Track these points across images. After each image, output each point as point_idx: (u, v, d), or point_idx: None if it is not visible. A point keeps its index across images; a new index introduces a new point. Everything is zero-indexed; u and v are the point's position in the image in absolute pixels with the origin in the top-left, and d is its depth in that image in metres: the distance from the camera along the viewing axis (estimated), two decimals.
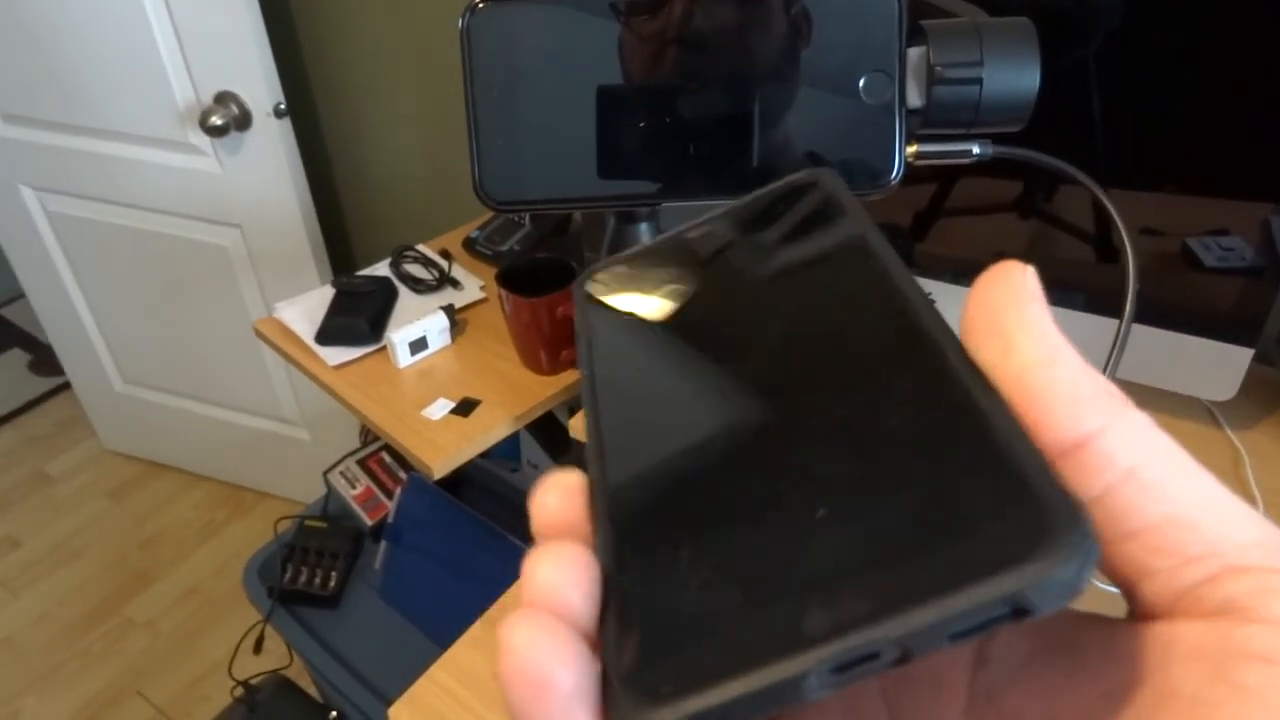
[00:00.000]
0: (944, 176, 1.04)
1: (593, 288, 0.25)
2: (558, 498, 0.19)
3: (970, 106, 0.31)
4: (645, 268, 0.24)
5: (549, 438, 1.47)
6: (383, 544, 1.46)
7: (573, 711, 0.15)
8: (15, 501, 2.42)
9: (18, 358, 2.89)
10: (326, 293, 1.31)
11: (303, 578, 1.44)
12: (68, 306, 2.14)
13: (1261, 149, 0.87)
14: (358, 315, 1.25)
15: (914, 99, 0.31)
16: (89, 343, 2.21)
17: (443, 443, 1.11)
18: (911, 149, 0.32)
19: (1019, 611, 0.13)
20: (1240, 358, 0.92)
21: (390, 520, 1.47)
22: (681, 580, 0.16)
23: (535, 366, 1.20)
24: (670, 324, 0.22)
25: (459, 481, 1.56)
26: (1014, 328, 0.17)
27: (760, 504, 0.16)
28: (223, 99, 1.62)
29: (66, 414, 2.67)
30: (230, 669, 1.49)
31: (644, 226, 0.45)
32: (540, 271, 1.16)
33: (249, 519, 2.33)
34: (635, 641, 0.15)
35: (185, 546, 2.28)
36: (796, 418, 0.18)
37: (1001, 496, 0.14)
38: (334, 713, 1.39)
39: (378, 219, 2.03)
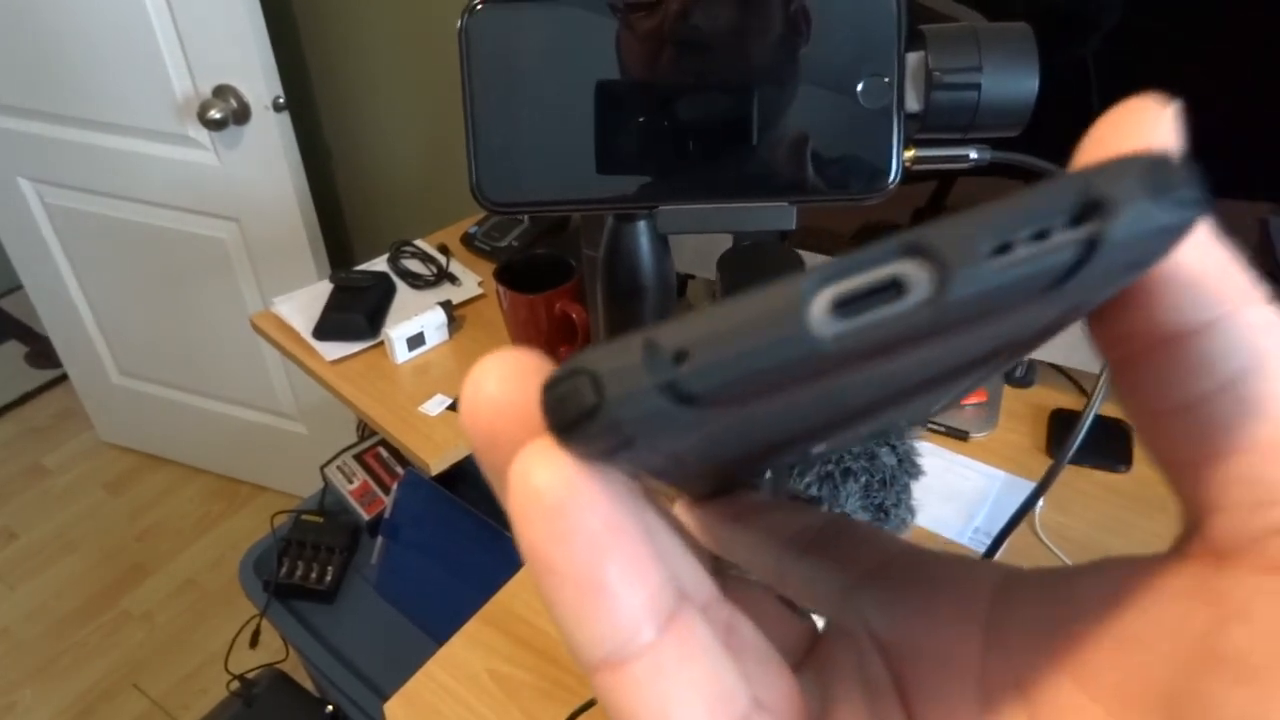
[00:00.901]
0: (944, 175, 1.04)
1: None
2: (497, 383, 0.15)
3: (968, 111, 0.31)
4: None
5: None
6: (379, 539, 1.46)
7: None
8: (12, 494, 2.42)
9: (15, 350, 2.89)
10: (324, 287, 1.31)
11: (299, 572, 1.44)
12: (65, 299, 2.14)
13: (1260, 149, 0.87)
14: (355, 310, 1.25)
15: (912, 104, 0.31)
16: (86, 335, 2.21)
17: (440, 439, 1.11)
18: (909, 153, 0.32)
19: (1088, 237, 0.10)
20: None
21: (387, 515, 1.47)
22: None
23: None
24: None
25: (456, 477, 1.55)
26: None
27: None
28: (221, 92, 1.62)
29: (63, 406, 2.67)
30: (226, 662, 1.49)
31: (642, 225, 0.45)
32: (538, 268, 1.16)
33: (246, 512, 2.33)
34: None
35: (182, 539, 2.28)
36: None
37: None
38: (330, 707, 1.39)
39: (376, 214, 2.03)
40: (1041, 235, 0.10)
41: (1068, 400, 1.07)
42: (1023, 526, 0.95)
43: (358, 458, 1.63)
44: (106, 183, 1.85)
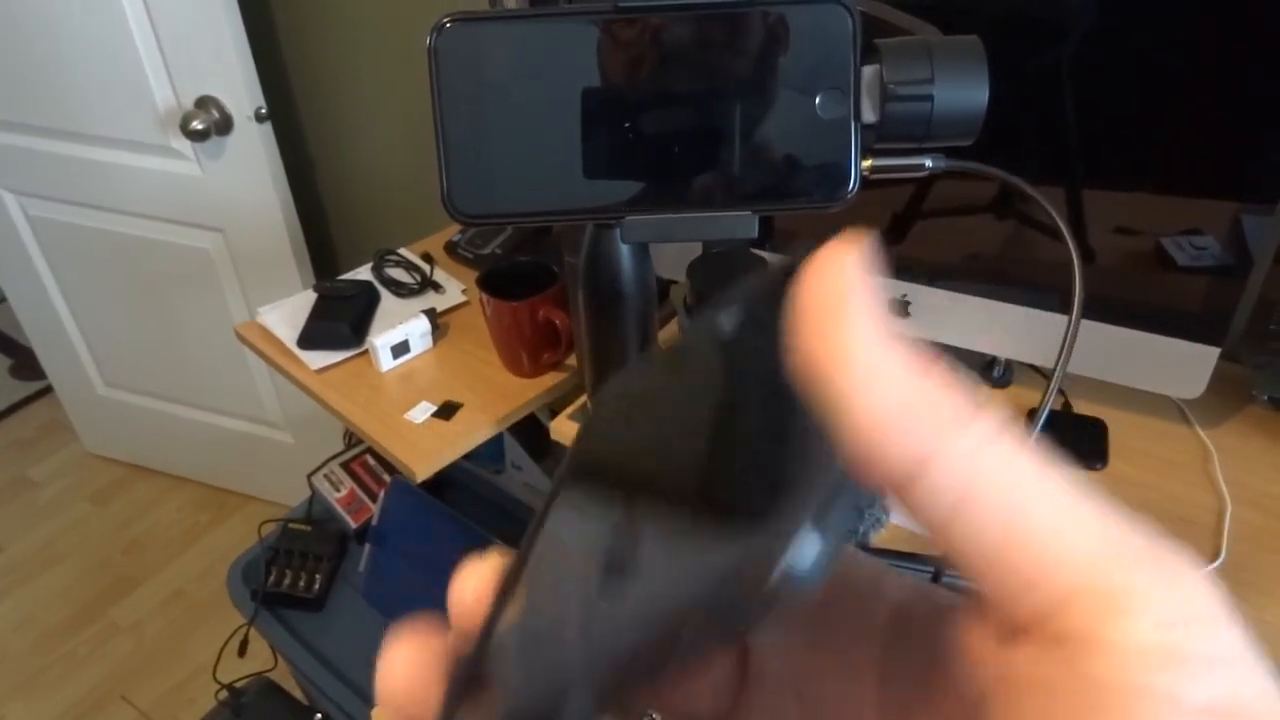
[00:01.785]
0: (921, 180, 1.05)
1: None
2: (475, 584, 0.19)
3: (923, 122, 0.32)
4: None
5: (531, 440, 1.48)
6: (366, 547, 1.46)
7: None
8: None
9: None
10: (308, 297, 1.31)
11: (287, 580, 1.44)
12: (49, 310, 2.13)
13: (1232, 149, 0.89)
14: (340, 319, 1.26)
15: (869, 115, 0.32)
16: (71, 346, 2.20)
17: (425, 446, 1.12)
18: (867, 163, 0.33)
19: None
20: (1208, 356, 0.93)
21: (374, 523, 1.47)
22: None
23: (517, 369, 1.21)
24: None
25: (442, 484, 1.56)
26: (835, 342, 0.15)
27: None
28: (203, 103, 1.62)
29: (48, 418, 2.66)
30: (215, 672, 1.49)
31: (619, 231, 0.46)
32: (521, 275, 1.17)
33: (233, 522, 2.32)
34: None
35: (169, 550, 2.27)
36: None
37: None
38: (318, 715, 1.40)
39: (360, 223, 2.04)
40: None
41: None
42: None
43: (345, 466, 1.63)
44: (89, 194, 1.85)
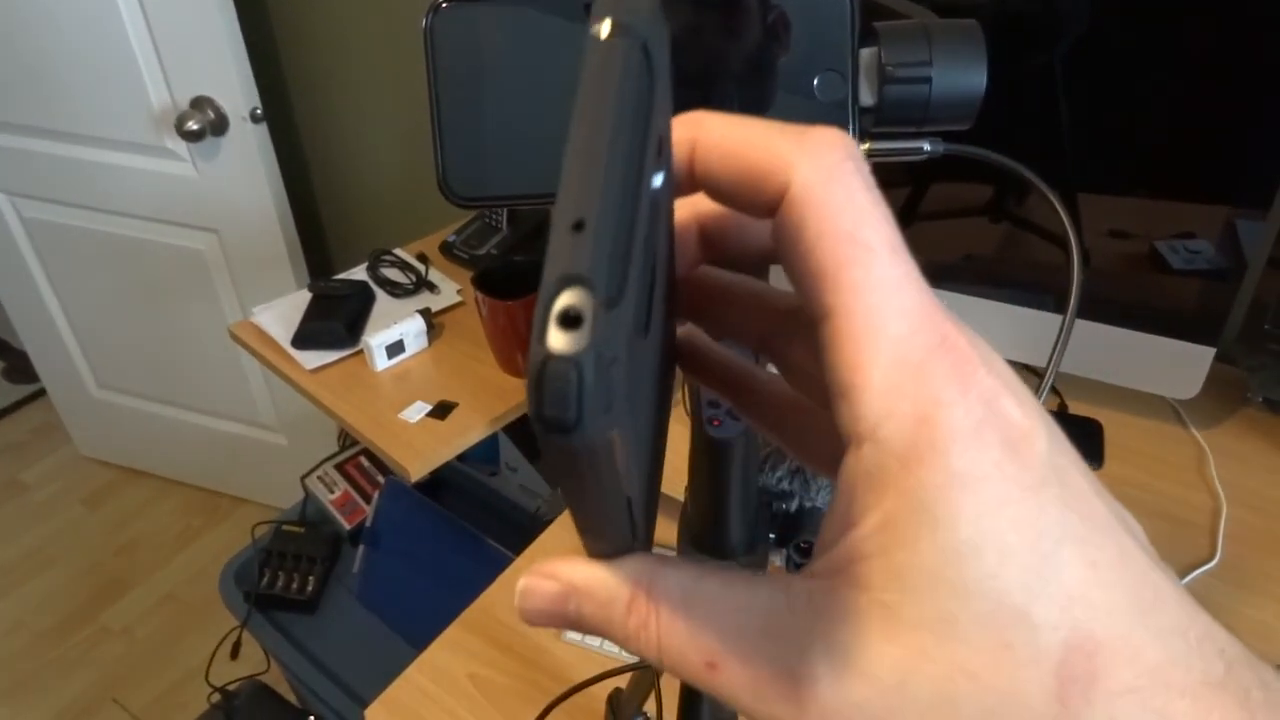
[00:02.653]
0: (917, 181, 1.06)
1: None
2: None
3: (920, 105, 0.32)
4: None
5: (527, 440, 1.47)
6: (360, 548, 1.46)
7: None
8: None
9: None
10: (303, 296, 1.31)
11: (280, 583, 1.43)
12: (43, 312, 2.12)
13: (1226, 154, 0.89)
14: (334, 319, 1.26)
15: (866, 98, 0.32)
16: (64, 348, 2.19)
17: (420, 445, 1.11)
18: (864, 145, 0.33)
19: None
20: (1203, 357, 0.93)
21: (368, 524, 1.47)
22: None
23: (512, 369, 1.21)
24: None
25: (437, 485, 1.56)
26: None
27: None
28: (199, 104, 1.62)
29: (42, 420, 2.65)
30: (207, 675, 1.48)
31: None
32: (516, 275, 1.17)
33: (226, 524, 2.32)
34: None
35: (162, 553, 2.26)
36: None
37: None
38: (311, 717, 1.39)
39: (355, 223, 2.03)
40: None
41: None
42: None
43: (339, 468, 1.63)
44: (83, 195, 1.84)
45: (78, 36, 1.61)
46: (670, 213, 0.19)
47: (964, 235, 1.06)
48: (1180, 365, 0.95)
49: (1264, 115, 0.84)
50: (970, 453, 0.16)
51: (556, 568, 0.19)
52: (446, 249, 1.46)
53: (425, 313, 1.25)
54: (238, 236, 1.79)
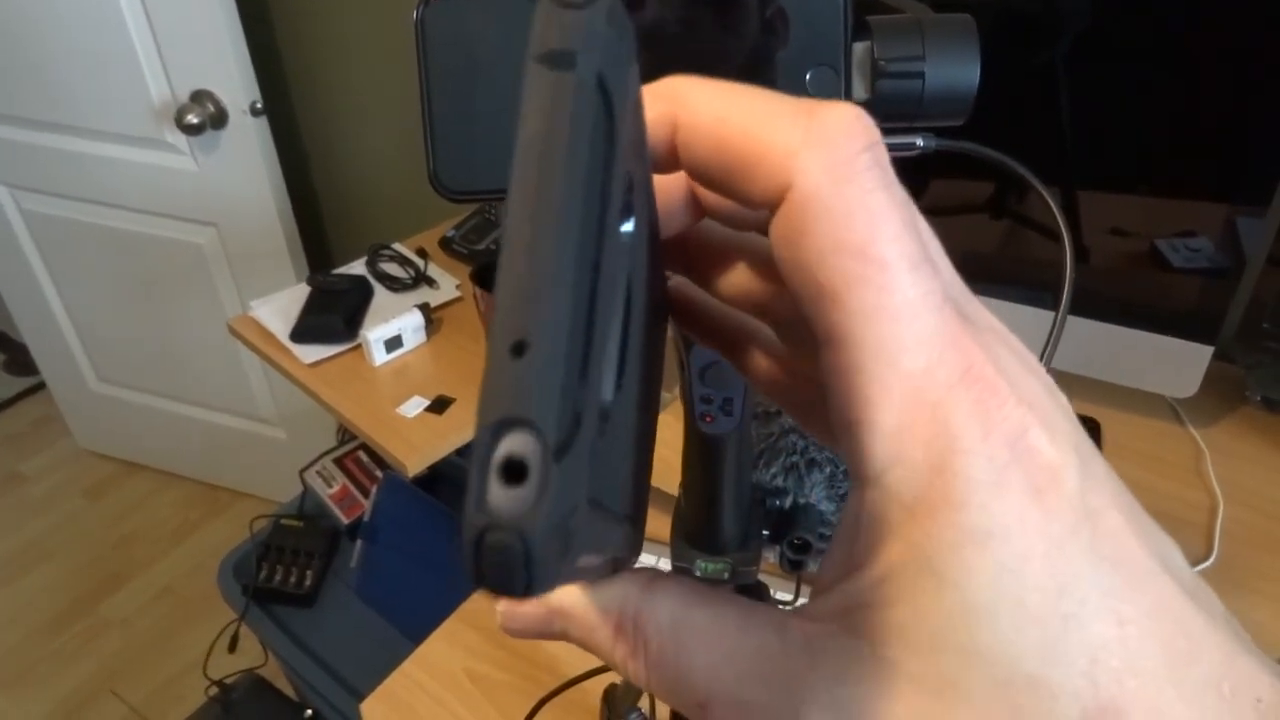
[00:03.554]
0: (916, 178, 1.05)
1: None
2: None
3: (914, 100, 0.32)
4: None
5: None
6: (359, 542, 1.46)
7: None
8: None
9: None
10: (302, 291, 1.31)
11: (278, 576, 1.43)
12: (42, 305, 2.12)
13: (1226, 152, 0.89)
14: (333, 313, 1.26)
15: (859, 92, 0.32)
16: (64, 341, 2.20)
17: (417, 440, 1.11)
18: None
19: None
20: (1201, 355, 0.93)
21: (366, 518, 1.47)
22: None
23: None
24: None
25: (435, 479, 1.56)
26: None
27: None
28: (199, 97, 1.62)
29: (41, 413, 2.65)
30: (205, 668, 1.48)
31: None
32: None
33: (224, 518, 2.32)
34: None
35: (160, 546, 2.27)
36: None
37: None
38: (309, 711, 1.39)
39: (354, 218, 2.03)
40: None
41: None
42: None
43: (337, 462, 1.62)
44: (83, 188, 1.84)
45: (78, 29, 1.61)
46: (645, 242, 0.17)
47: (964, 232, 1.06)
48: (1179, 363, 0.95)
49: (1264, 113, 0.83)
50: (989, 506, 0.14)
51: None
52: (446, 244, 1.46)
53: (424, 308, 1.25)
54: (237, 230, 1.79)
